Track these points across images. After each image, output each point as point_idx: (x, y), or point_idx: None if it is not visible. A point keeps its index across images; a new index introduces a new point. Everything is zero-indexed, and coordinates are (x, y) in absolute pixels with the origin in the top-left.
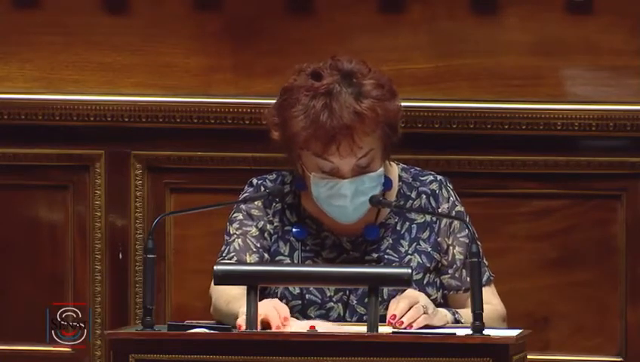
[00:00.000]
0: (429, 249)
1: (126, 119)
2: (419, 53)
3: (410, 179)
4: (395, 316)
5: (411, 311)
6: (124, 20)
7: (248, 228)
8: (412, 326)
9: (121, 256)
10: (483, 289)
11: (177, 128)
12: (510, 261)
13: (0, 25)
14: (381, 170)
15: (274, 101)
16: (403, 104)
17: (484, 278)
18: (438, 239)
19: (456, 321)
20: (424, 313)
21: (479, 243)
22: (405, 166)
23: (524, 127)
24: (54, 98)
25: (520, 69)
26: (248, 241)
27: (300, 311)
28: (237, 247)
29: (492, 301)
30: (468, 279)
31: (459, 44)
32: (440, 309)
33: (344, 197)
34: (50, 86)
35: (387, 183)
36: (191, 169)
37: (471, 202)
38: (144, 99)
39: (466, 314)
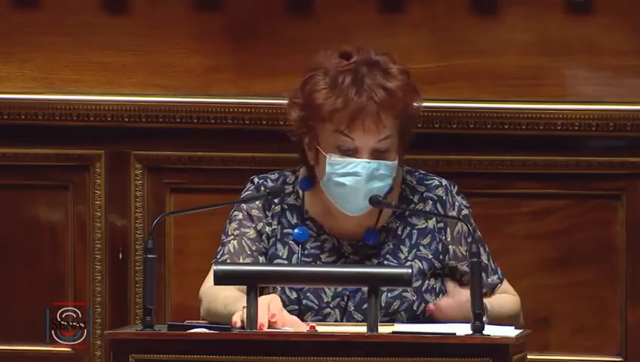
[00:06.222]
0: (430, 255)
1: (126, 119)
2: (419, 53)
3: (415, 183)
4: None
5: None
6: (124, 20)
7: (246, 230)
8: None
9: (121, 256)
10: (503, 282)
11: (177, 128)
12: (510, 261)
13: (0, 25)
14: (396, 162)
15: (274, 101)
16: None
17: (500, 274)
18: (452, 247)
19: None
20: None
21: (485, 244)
22: (410, 169)
23: (524, 127)
24: (54, 98)
25: (520, 69)
26: (244, 244)
27: (296, 317)
28: (232, 250)
29: (511, 291)
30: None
31: (459, 44)
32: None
33: (359, 177)
34: (50, 86)
35: None
36: (191, 169)
37: (471, 202)
38: (144, 99)
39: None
